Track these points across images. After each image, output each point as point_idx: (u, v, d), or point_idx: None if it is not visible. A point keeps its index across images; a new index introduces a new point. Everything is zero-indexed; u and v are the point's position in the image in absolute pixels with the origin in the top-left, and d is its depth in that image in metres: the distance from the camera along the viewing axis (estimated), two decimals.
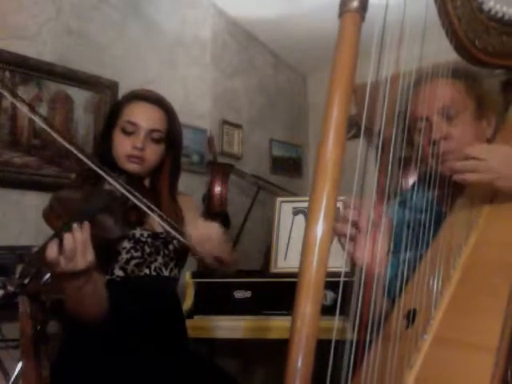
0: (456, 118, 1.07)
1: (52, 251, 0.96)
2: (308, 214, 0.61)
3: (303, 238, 0.60)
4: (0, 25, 2.14)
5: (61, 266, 0.97)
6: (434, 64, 1.03)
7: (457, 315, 0.82)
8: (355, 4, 0.64)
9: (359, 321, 0.69)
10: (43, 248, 0.96)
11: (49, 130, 1.20)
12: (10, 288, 0.89)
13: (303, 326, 0.57)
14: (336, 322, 0.66)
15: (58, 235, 0.98)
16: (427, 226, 0.99)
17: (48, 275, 0.95)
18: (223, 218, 2.81)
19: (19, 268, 0.93)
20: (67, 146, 1.19)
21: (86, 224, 1.01)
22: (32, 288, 0.92)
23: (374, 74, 0.69)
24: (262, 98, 3.48)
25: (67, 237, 0.98)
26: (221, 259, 1.19)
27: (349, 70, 0.63)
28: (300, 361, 0.56)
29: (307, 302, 0.57)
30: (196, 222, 1.24)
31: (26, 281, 0.91)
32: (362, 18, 0.65)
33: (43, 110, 2.26)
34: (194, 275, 2.19)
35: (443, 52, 0.96)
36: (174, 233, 1.21)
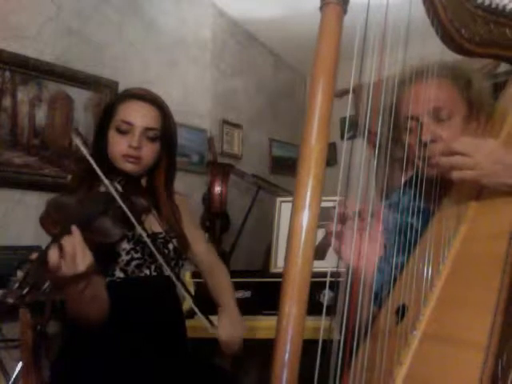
0: (447, 120, 1.06)
1: (53, 256, 0.95)
2: (292, 211, 0.60)
3: (287, 237, 0.59)
4: (0, 25, 2.14)
5: (62, 270, 0.97)
6: (427, 62, 1.03)
7: (446, 310, 0.81)
8: None
9: (346, 321, 0.69)
10: (42, 256, 0.95)
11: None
12: (10, 300, 0.88)
13: (288, 326, 0.56)
14: (322, 321, 0.65)
15: (57, 241, 0.98)
16: (417, 229, 0.98)
17: (47, 284, 0.94)
18: (223, 218, 2.81)
19: (18, 275, 0.92)
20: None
21: (75, 228, 1.01)
22: (31, 298, 0.91)
23: (371, 74, 0.69)
24: (262, 97, 3.49)
25: (67, 240, 0.98)
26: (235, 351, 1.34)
27: (331, 61, 0.62)
28: (286, 360, 0.56)
29: (292, 302, 0.57)
30: (229, 316, 1.36)
31: (25, 291, 0.90)
32: (344, 11, 0.65)
33: (43, 109, 2.26)
34: (194, 275, 2.19)
35: (433, 48, 0.95)
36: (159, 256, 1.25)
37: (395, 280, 0.94)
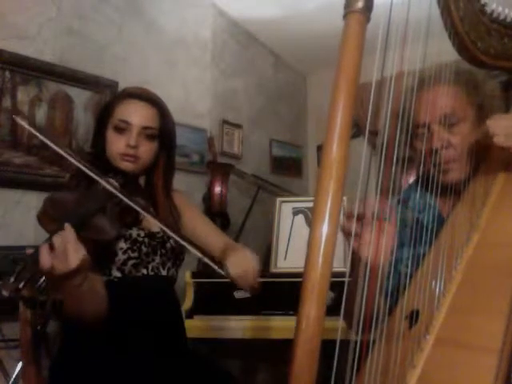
0: (456, 126, 1.08)
1: (45, 257, 0.95)
2: (313, 215, 0.61)
3: (308, 239, 0.60)
4: (0, 25, 2.14)
5: (55, 268, 0.97)
6: (435, 67, 1.04)
7: (460, 315, 0.82)
8: (360, 4, 0.64)
9: (363, 319, 0.70)
10: (37, 252, 0.95)
11: (41, 137, 1.19)
12: (5, 293, 0.89)
13: (308, 327, 0.57)
14: (340, 321, 0.65)
15: (51, 239, 0.98)
16: (425, 225, 0.99)
17: (43, 279, 0.94)
18: (223, 218, 2.81)
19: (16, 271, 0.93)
20: (63, 153, 1.19)
21: (67, 225, 1.01)
22: (27, 292, 0.91)
23: (377, 73, 0.69)
24: (262, 98, 3.49)
25: (56, 238, 0.98)
26: (254, 287, 1.27)
27: (353, 70, 0.63)
28: (305, 362, 0.57)
29: (312, 303, 0.58)
30: (236, 253, 1.30)
31: (21, 285, 0.90)
32: (367, 19, 0.65)
33: (43, 109, 2.26)
34: (194, 275, 2.19)
35: (446, 52, 0.96)
36: (175, 236, 1.23)
37: (399, 274, 0.95)
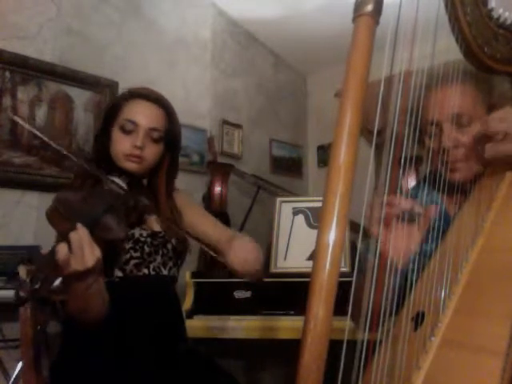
0: (467, 126, 1.08)
1: (62, 253, 0.95)
2: (321, 217, 0.61)
3: (316, 240, 0.60)
4: (0, 25, 2.14)
5: (71, 266, 0.97)
6: (446, 64, 1.04)
7: (465, 318, 0.82)
8: (369, 8, 0.64)
9: (371, 315, 0.70)
10: (52, 252, 0.96)
11: (45, 138, 1.20)
12: (22, 294, 0.90)
13: (316, 328, 0.57)
14: (348, 321, 0.66)
15: (65, 238, 0.98)
16: (432, 223, 0.99)
17: (58, 280, 0.95)
18: (223, 218, 2.81)
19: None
20: (72, 156, 1.19)
21: (80, 225, 1.01)
22: (42, 293, 0.92)
23: (383, 73, 0.69)
24: (262, 98, 3.49)
25: (73, 236, 0.98)
26: (256, 275, 1.23)
27: (362, 73, 0.64)
28: (312, 362, 0.57)
29: (320, 305, 0.58)
30: (239, 241, 1.25)
31: (37, 286, 0.91)
32: (377, 22, 0.65)
33: (43, 109, 2.26)
34: (194, 275, 2.19)
35: (455, 50, 0.96)
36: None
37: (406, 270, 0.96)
